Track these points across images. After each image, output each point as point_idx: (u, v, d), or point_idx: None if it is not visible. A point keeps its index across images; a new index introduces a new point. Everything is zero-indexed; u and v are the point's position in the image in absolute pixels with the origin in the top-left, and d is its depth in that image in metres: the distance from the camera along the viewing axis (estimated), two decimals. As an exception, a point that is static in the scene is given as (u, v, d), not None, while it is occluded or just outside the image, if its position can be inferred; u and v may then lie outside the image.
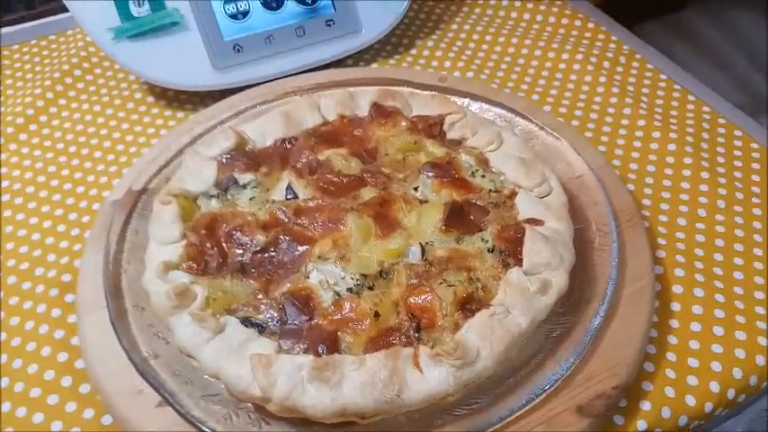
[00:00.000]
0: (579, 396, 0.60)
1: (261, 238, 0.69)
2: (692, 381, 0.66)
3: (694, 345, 0.69)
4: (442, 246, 0.68)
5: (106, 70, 1.08)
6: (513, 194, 0.73)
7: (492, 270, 0.66)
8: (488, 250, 0.68)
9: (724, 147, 0.91)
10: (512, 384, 0.60)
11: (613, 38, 1.13)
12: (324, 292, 0.64)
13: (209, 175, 0.75)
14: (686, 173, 0.87)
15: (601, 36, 1.14)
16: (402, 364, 0.57)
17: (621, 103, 0.98)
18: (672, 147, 0.91)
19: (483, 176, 0.76)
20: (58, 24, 1.19)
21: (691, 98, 1.00)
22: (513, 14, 1.19)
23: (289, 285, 0.65)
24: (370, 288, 0.64)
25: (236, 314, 0.63)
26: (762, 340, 0.69)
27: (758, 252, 0.78)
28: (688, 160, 0.88)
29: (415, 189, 0.75)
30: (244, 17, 0.96)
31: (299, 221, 0.70)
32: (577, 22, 1.16)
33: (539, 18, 1.18)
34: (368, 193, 0.73)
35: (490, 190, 0.74)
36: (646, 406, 0.64)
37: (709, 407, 0.65)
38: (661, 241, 0.79)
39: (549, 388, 0.59)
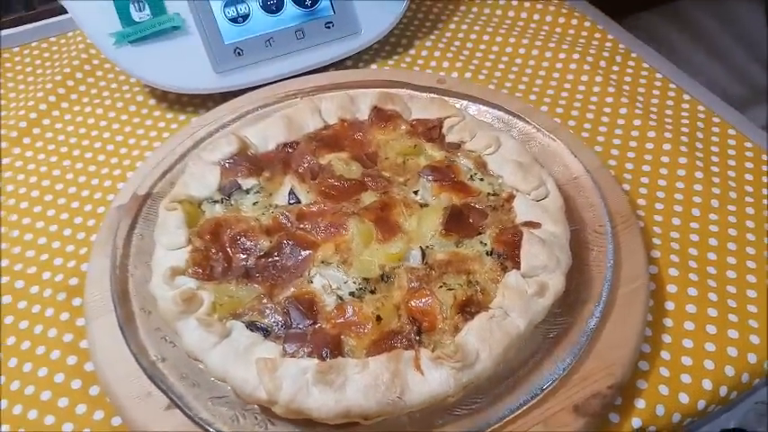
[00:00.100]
0: (576, 395, 0.62)
1: (265, 242, 0.71)
2: (686, 379, 0.68)
3: (688, 343, 0.70)
4: (442, 249, 0.70)
5: (107, 72, 1.09)
6: (510, 198, 0.75)
7: (490, 273, 0.68)
8: (487, 253, 0.69)
9: (718, 146, 0.93)
10: (510, 384, 0.62)
11: (609, 36, 1.14)
12: (327, 296, 0.66)
13: (212, 180, 0.77)
14: (681, 172, 0.89)
15: (597, 35, 1.15)
16: (404, 366, 0.59)
17: (617, 102, 1.00)
18: (667, 146, 0.92)
19: (481, 180, 0.77)
20: (58, 26, 1.19)
21: (686, 97, 1.01)
22: (511, 13, 1.20)
23: (292, 290, 0.67)
24: (372, 292, 0.66)
25: (241, 319, 0.65)
26: (754, 339, 0.71)
27: (751, 251, 0.79)
28: (683, 160, 0.90)
29: (415, 193, 0.76)
30: (244, 20, 0.97)
31: (301, 226, 0.72)
32: (574, 21, 1.17)
33: (536, 17, 1.19)
34: (369, 198, 0.75)
35: (488, 193, 0.76)
36: (640, 404, 0.66)
37: (702, 404, 0.67)
38: (656, 241, 0.80)
39: (547, 388, 0.61)
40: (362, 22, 1.04)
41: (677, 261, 0.78)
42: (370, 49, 1.10)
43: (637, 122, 0.96)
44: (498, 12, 1.21)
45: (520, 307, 0.63)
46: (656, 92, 1.02)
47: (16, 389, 0.70)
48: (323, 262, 0.69)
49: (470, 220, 0.72)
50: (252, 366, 0.60)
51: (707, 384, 0.68)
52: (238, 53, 0.97)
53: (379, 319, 0.63)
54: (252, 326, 0.64)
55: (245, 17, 0.97)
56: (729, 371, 0.69)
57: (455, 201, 0.74)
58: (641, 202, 0.85)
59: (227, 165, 0.78)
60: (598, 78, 1.04)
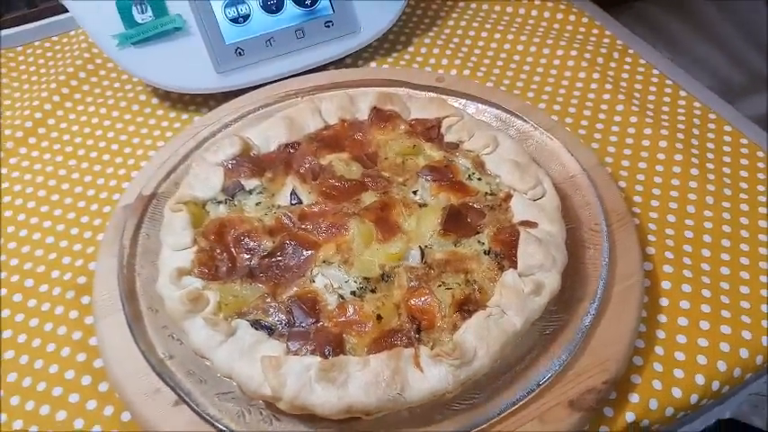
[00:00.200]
0: (571, 391, 0.63)
1: (268, 243, 0.73)
2: (679, 374, 0.70)
3: (681, 339, 0.72)
4: (441, 249, 0.72)
5: (110, 72, 1.11)
6: (508, 197, 0.76)
7: (488, 272, 0.69)
8: (485, 253, 0.71)
9: (714, 142, 0.94)
10: (507, 380, 0.64)
11: (607, 32, 1.15)
12: (329, 295, 0.68)
13: (216, 181, 0.78)
14: (676, 169, 0.90)
15: (595, 30, 1.16)
16: (404, 363, 0.61)
17: (614, 99, 1.01)
18: (663, 143, 0.93)
19: (479, 179, 0.79)
20: (60, 25, 1.20)
21: (682, 93, 1.02)
22: (509, 9, 1.21)
23: (295, 289, 0.69)
24: (373, 291, 0.68)
25: (246, 317, 0.67)
26: (746, 334, 0.72)
27: (744, 248, 0.81)
28: (678, 157, 0.91)
29: (415, 193, 0.78)
30: (244, 21, 0.98)
31: (303, 226, 0.74)
32: (572, 17, 1.18)
33: (534, 13, 1.20)
34: (369, 198, 0.76)
35: (486, 193, 0.77)
36: (634, 398, 0.68)
37: (694, 398, 0.69)
38: (651, 238, 0.82)
39: (543, 384, 0.63)
40: (362, 20, 1.05)
41: (672, 258, 0.79)
42: (370, 47, 1.11)
43: (633, 119, 0.98)
44: (497, 8, 1.22)
45: (517, 305, 0.65)
46: (652, 88, 1.04)
47: (28, 385, 0.72)
48: (324, 262, 0.70)
49: (468, 220, 0.74)
50: (257, 364, 0.62)
51: (699, 379, 0.69)
52: (239, 53, 0.98)
53: (379, 317, 0.65)
54: (256, 324, 0.66)
55: (246, 17, 0.98)
56: (722, 366, 0.70)
57: (453, 200, 0.76)
58: (637, 198, 0.87)
59: (230, 166, 0.80)
60: (595, 75, 1.05)
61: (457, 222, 0.73)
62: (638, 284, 0.72)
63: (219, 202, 0.77)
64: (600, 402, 0.64)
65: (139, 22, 0.94)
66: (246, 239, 0.73)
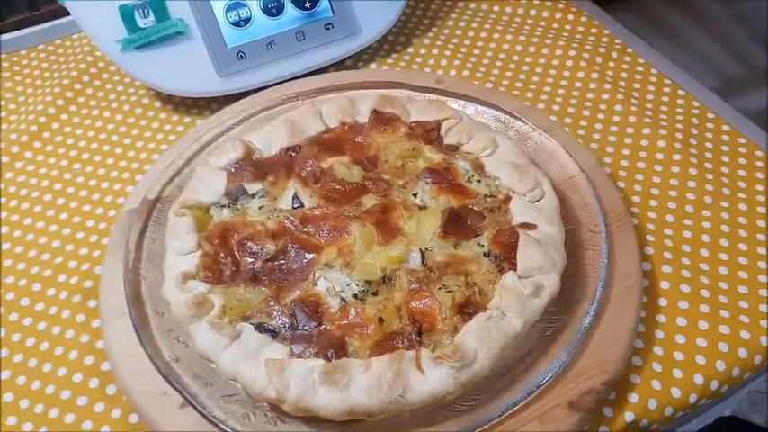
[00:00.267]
0: (570, 392, 0.64)
1: (270, 246, 0.74)
2: (678, 374, 0.70)
3: (680, 339, 0.73)
4: (441, 251, 0.73)
5: (113, 75, 1.11)
6: (507, 199, 0.77)
7: (488, 274, 0.70)
8: (484, 255, 0.72)
9: (712, 142, 0.95)
10: (507, 381, 0.65)
11: (606, 31, 1.16)
12: (331, 298, 0.69)
13: (219, 185, 0.79)
14: (675, 169, 0.91)
15: (593, 30, 1.16)
16: (405, 366, 0.62)
17: (613, 99, 1.02)
18: (661, 143, 0.94)
19: (479, 181, 0.80)
20: (63, 28, 1.21)
21: (681, 92, 1.03)
22: (508, 9, 1.22)
23: (298, 292, 0.70)
24: (374, 294, 0.69)
25: (250, 321, 0.68)
26: (744, 334, 0.73)
27: (743, 247, 0.81)
28: (677, 157, 0.92)
29: (415, 195, 0.79)
30: (246, 24, 0.99)
31: (305, 230, 0.75)
32: (570, 16, 1.19)
33: (532, 12, 1.20)
34: (369, 201, 0.77)
35: (486, 195, 0.78)
36: (633, 398, 0.69)
37: (693, 398, 0.70)
38: (650, 238, 0.83)
39: (543, 385, 0.64)
40: (361, 22, 1.06)
41: (670, 258, 0.80)
42: (369, 48, 1.11)
43: (632, 119, 0.98)
44: (495, 7, 1.22)
45: (516, 307, 0.66)
46: (651, 87, 1.04)
47: (37, 388, 0.73)
48: (326, 265, 0.71)
49: (468, 222, 0.75)
50: (261, 367, 0.63)
51: (698, 379, 0.70)
52: (241, 56, 0.99)
53: (381, 320, 0.66)
54: (260, 327, 0.67)
55: (247, 21, 0.99)
56: (720, 365, 0.71)
57: (453, 203, 0.77)
58: (636, 199, 0.87)
59: (232, 170, 0.81)
60: (594, 75, 1.06)
61: (457, 225, 0.74)
62: (636, 285, 0.72)
63: (223, 207, 0.78)
64: (599, 403, 0.65)
65: (142, 26, 0.95)
66: (250, 243, 0.74)
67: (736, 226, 0.84)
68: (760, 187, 0.88)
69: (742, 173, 0.90)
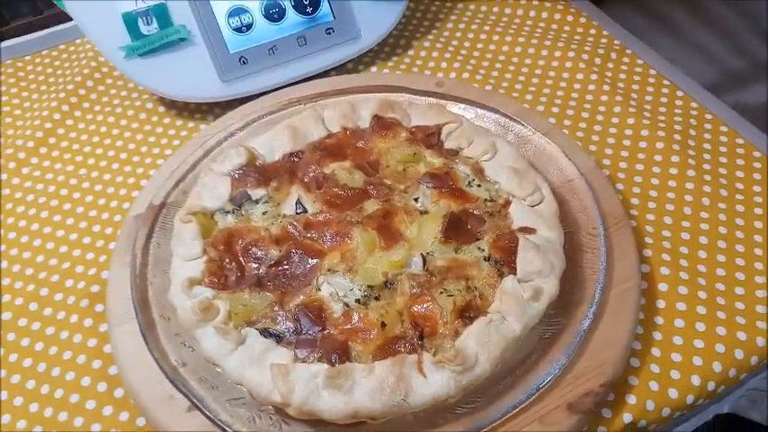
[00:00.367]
0: (569, 394, 0.66)
1: (274, 252, 0.75)
2: (675, 375, 0.71)
3: (678, 340, 0.74)
4: (442, 256, 0.74)
5: (116, 80, 1.13)
6: (507, 203, 0.78)
7: (488, 279, 0.71)
8: (485, 259, 0.73)
9: (710, 143, 0.96)
10: (508, 384, 0.66)
11: (605, 32, 1.17)
12: (334, 303, 0.70)
13: (223, 191, 0.81)
14: (673, 171, 0.92)
15: (592, 31, 1.17)
16: (407, 370, 0.63)
17: (612, 101, 1.02)
18: (660, 145, 0.95)
19: (479, 186, 0.81)
20: (66, 33, 1.23)
21: (679, 93, 1.04)
22: (507, 11, 1.23)
23: (302, 297, 0.71)
24: (377, 299, 0.70)
25: (255, 326, 0.69)
26: (741, 335, 0.74)
27: (740, 249, 0.82)
28: (675, 158, 0.93)
29: (416, 200, 0.80)
30: (248, 30, 1.00)
31: (308, 235, 0.76)
32: (570, 17, 1.19)
33: (532, 14, 1.21)
34: (371, 206, 0.78)
35: (486, 199, 0.79)
36: (631, 399, 0.70)
37: (690, 399, 0.71)
38: (648, 240, 0.84)
39: (543, 387, 0.65)
40: (362, 25, 1.06)
41: (668, 260, 0.81)
42: (370, 51, 1.12)
43: (630, 121, 0.99)
44: (495, 9, 1.23)
45: (516, 311, 0.67)
46: (650, 89, 1.05)
47: (46, 392, 0.74)
48: (329, 270, 0.73)
49: (468, 227, 0.76)
50: (266, 371, 0.64)
51: (695, 380, 0.71)
52: (243, 62, 1.00)
53: (383, 325, 0.67)
54: (265, 332, 0.68)
55: (249, 27, 1.00)
56: (717, 366, 0.72)
57: (453, 207, 0.78)
58: (634, 201, 0.88)
59: (236, 176, 0.82)
60: (593, 76, 1.07)
61: (457, 229, 0.75)
62: (634, 288, 0.74)
63: (227, 212, 0.79)
64: (598, 405, 0.66)
65: (145, 33, 0.96)
66: (254, 249, 0.75)
67: (733, 227, 0.85)
68: (757, 188, 0.89)
69: (740, 174, 0.91)
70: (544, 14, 1.21)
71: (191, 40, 0.98)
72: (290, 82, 1.02)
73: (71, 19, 1.19)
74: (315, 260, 0.74)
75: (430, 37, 1.18)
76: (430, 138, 0.86)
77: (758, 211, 0.86)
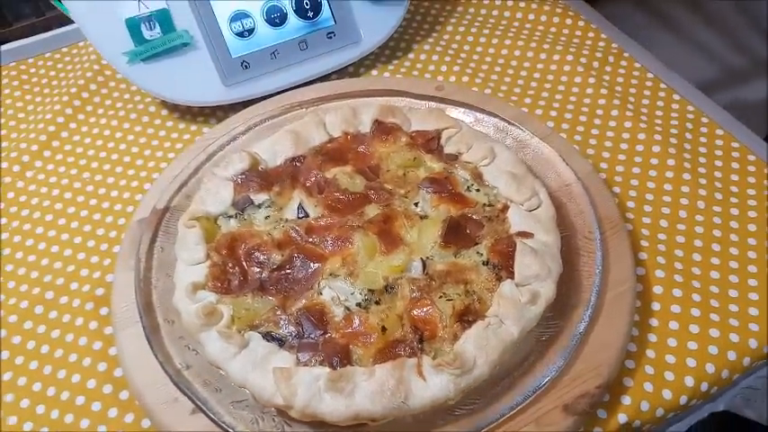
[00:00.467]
0: (566, 395, 0.67)
1: (277, 256, 0.76)
2: (669, 376, 0.73)
3: (672, 342, 0.76)
4: (442, 260, 0.75)
5: (119, 83, 1.13)
6: (505, 208, 0.79)
7: (486, 283, 0.73)
8: (483, 263, 0.75)
9: (706, 146, 0.97)
10: (506, 386, 0.67)
11: (603, 35, 1.18)
12: (336, 307, 0.72)
13: (226, 195, 0.82)
14: (669, 174, 0.93)
15: (591, 34, 1.18)
16: (407, 373, 0.65)
17: (609, 104, 1.04)
18: (656, 148, 0.96)
19: (478, 190, 0.82)
20: (68, 36, 1.23)
21: (676, 97, 1.05)
22: (507, 14, 1.24)
23: (304, 301, 0.72)
24: (377, 303, 0.71)
25: (258, 330, 0.70)
26: (733, 337, 0.76)
27: (734, 251, 0.84)
28: (671, 162, 0.94)
29: (416, 204, 0.81)
30: (249, 34, 1.01)
31: (310, 240, 0.77)
32: (568, 21, 1.20)
33: (531, 17, 1.22)
34: (372, 210, 0.80)
35: (484, 204, 0.81)
36: (626, 400, 0.71)
37: (684, 399, 0.72)
38: (644, 243, 0.85)
39: (540, 389, 0.66)
40: (363, 29, 1.08)
41: (663, 263, 0.83)
42: (371, 55, 1.13)
43: (627, 124, 1.00)
44: (494, 12, 1.24)
45: (514, 315, 0.69)
46: (647, 92, 1.06)
47: (53, 395, 0.76)
48: (331, 274, 0.74)
49: (468, 231, 0.77)
50: (269, 374, 0.66)
51: (689, 381, 0.73)
52: (245, 66, 1.01)
53: (384, 329, 0.69)
54: (268, 336, 0.70)
55: (251, 31, 1.01)
56: (710, 368, 0.74)
57: (453, 212, 0.79)
58: (630, 204, 0.90)
59: (239, 180, 0.83)
60: (591, 80, 1.08)
61: (457, 234, 0.76)
62: (630, 291, 0.75)
63: (230, 217, 0.81)
64: (593, 406, 0.67)
65: (148, 38, 0.97)
66: (257, 253, 0.76)
67: (727, 230, 0.86)
68: (752, 191, 0.90)
69: (734, 177, 0.92)
70: (543, 17, 1.22)
71: (193, 45, 0.99)
72: (291, 86, 1.03)
73: (73, 21, 1.21)
74: (316, 264, 0.75)
75: (430, 40, 1.19)
76: (430, 142, 0.87)
77: (752, 213, 0.88)
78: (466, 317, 0.69)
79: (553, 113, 1.04)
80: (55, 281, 0.86)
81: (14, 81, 1.17)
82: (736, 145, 0.97)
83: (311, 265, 0.75)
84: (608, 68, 1.11)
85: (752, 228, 0.86)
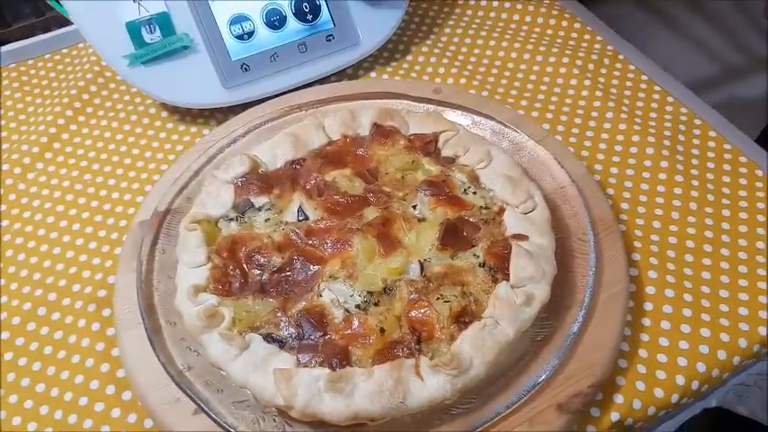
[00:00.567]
0: (559, 395, 0.68)
1: (277, 258, 0.77)
2: (661, 375, 0.75)
3: (664, 342, 0.77)
4: (439, 262, 0.76)
5: (119, 84, 1.14)
6: (501, 211, 0.81)
7: (483, 284, 0.74)
8: (479, 265, 0.76)
9: (699, 148, 0.98)
10: (501, 385, 0.69)
11: (598, 38, 1.19)
12: (335, 309, 0.73)
13: (227, 198, 0.83)
14: (662, 176, 0.94)
15: (587, 36, 1.19)
16: (405, 373, 0.66)
17: (604, 107, 1.05)
18: (650, 150, 0.98)
19: (474, 193, 0.83)
20: (68, 37, 1.24)
21: (669, 99, 1.06)
22: (504, 16, 1.25)
23: (304, 303, 0.74)
24: (376, 304, 0.73)
25: (259, 331, 0.72)
26: (724, 336, 0.77)
27: (725, 252, 0.85)
28: (664, 164, 0.96)
29: (414, 207, 0.82)
30: (249, 37, 1.02)
31: (310, 242, 0.78)
32: (564, 23, 1.22)
33: (527, 19, 1.23)
34: (371, 213, 0.81)
35: (481, 207, 0.82)
36: (619, 399, 0.73)
37: (675, 398, 0.74)
38: (637, 244, 0.87)
39: (535, 389, 0.68)
40: (361, 32, 1.09)
41: (656, 264, 0.84)
42: (370, 57, 1.14)
43: (622, 126, 1.02)
44: (492, 14, 1.25)
45: (509, 316, 0.70)
46: (641, 94, 1.07)
47: (56, 395, 0.77)
48: (331, 277, 0.75)
49: (464, 234, 0.79)
50: (270, 375, 0.67)
51: (680, 380, 0.74)
52: (245, 68, 1.02)
53: (382, 330, 0.70)
54: (268, 338, 0.71)
55: (251, 34, 1.02)
56: (701, 367, 0.75)
57: (450, 215, 0.80)
58: (624, 206, 0.91)
59: (239, 183, 0.84)
60: (587, 82, 1.09)
61: (454, 236, 0.78)
62: (623, 292, 0.76)
63: (231, 220, 0.82)
64: (587, 405, 0.69)
65: (148, 41, 0.98)
66: (257, 256, 0.78)
67: (719, 231, 0.88)
68: (743, 193, 0.92)
69: (726, 179, 0.94)
70: (540, 20, 1.23)
71: (193, 48, 1.00)
72: (290, 88, 1.04)
73: (72, 23, 1.22)
74: (316, 267, 0.76)
75: (428, 42, 1.20)
76: (428, 146, 0.89)
77: (743, 215, 0.89)
78: (462, 318, 0.71)
79: (549, 115, 1.05)
80: (57, 282, 0.87)
81: (15, 82, 1.17)
82: (728, 147, 0.98)
83: (311, 267, 0.76)
84: (603, 71, 1.12)
85: (743, 229, 0.88)
